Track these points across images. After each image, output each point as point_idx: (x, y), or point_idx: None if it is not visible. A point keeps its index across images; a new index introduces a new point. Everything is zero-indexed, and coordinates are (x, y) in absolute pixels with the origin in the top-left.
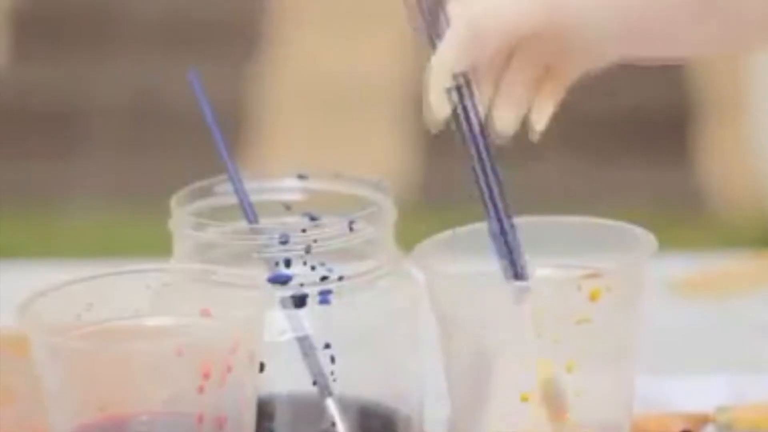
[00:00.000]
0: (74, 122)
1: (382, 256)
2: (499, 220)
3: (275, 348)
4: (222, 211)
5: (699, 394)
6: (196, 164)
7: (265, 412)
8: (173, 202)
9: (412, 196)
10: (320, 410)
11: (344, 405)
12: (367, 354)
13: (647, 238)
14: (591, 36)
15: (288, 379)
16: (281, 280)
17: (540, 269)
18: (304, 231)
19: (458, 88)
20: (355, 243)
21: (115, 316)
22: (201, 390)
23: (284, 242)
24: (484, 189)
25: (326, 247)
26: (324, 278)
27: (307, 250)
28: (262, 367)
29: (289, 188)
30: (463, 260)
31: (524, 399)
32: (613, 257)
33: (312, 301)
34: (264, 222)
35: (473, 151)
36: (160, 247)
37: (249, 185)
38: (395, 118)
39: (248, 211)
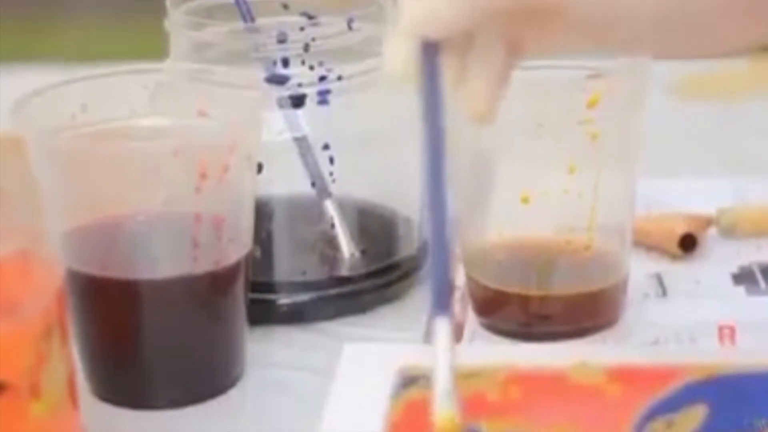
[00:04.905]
0: None
1: (381, 55)
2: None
3: (273, 148)
4: (219, 10)
5: (701, 196)
6: None
7: (263, 213)
8: (169, 1)
9: None
10: (319, 211)
11: (343, 206)
12: (366, 155)
13: None
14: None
15: (287, 181)
16: (279, 80)
17: (542, 70)
18: (302, 29)
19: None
20: (354, 42)
21: (111, 117)
22: (198, 190)
23: (282, 41)
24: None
25: (325, 45)
26: (322, 78)
27: (306, 49)
28: (260, 169)
29: None
30: None
31: (524, 200)
32: (615, 58)
33: (310, 102)
34: (261, 21)
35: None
36: (157, 52)
37: None
38: None
39: (244, 10)
